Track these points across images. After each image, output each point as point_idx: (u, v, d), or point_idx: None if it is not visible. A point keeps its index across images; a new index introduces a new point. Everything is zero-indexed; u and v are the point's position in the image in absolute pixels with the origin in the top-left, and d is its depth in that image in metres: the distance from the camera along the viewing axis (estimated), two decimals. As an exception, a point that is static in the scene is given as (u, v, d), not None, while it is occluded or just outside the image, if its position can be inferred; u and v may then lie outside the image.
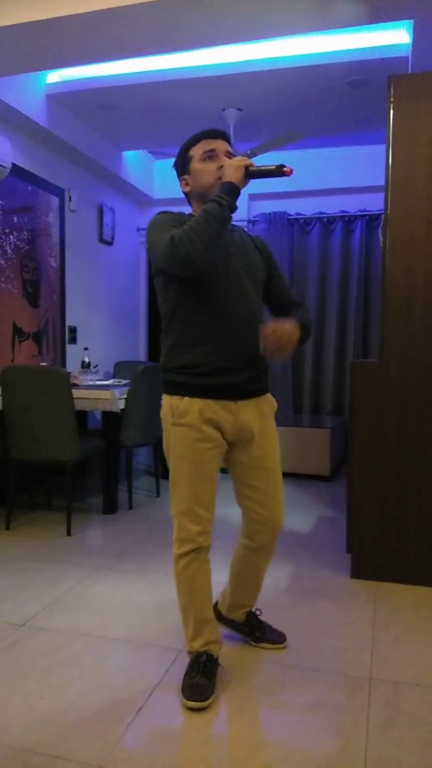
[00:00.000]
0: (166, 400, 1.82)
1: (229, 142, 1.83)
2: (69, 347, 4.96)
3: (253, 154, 4.38)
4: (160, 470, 4.56)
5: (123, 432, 3.89)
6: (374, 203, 5.38)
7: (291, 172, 1.66)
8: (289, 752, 1.60)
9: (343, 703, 1.83)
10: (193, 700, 1.77)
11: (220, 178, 1.74)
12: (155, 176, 5.96)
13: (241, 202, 5.67)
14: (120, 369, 5.35)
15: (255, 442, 1.85)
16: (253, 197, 5.69)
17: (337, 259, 5.49)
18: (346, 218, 5.44)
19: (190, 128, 4.76)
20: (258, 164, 1.71)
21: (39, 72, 3.90)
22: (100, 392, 3.72)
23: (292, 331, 1.69)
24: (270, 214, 5.58)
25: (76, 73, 4.03)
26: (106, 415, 3.86)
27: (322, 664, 2.04)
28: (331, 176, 5.43)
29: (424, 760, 1.56)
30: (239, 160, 1.68)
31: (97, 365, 5.05)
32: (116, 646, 2.15)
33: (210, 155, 1.78)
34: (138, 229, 6.14)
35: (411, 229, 2.63)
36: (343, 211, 5.45)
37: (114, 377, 5.25)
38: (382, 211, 3.79)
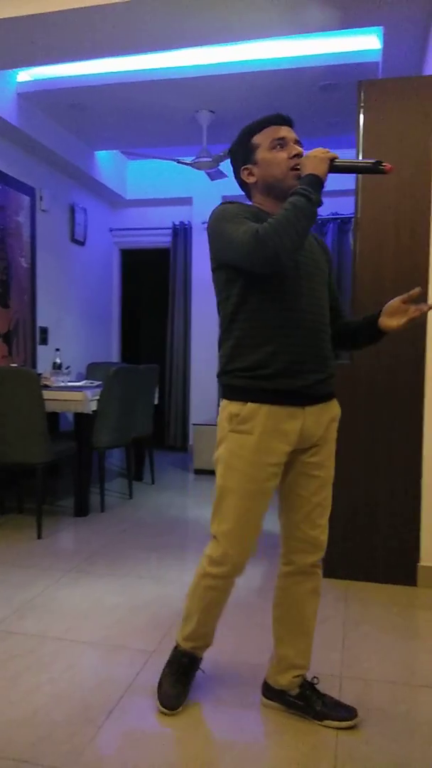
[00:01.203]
0: (226, 407, 1.63)
1: (294, 128, 1.67)
2: (40, 348, 4.90)
3: (226, 156, 4.40)
4: (134, 471, 4.54)
5: (95, 434, 3.86)
6: (346, 207, 5.44)
7: (391, 169, 1.53)
8: (259, 752, 1.60)
9: (314, 701, 1.84)
10: (164, 706, 1.76)
11: (293, 169, 1.60)
12: (128, 176, 5.94)
13: (215, 203, 5.68)
14: (92, 370, 5.31)
15: (315, 448, 1.67)
16: (227, 199, 5.70)
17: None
18: (319, 221, 5.49)
19: (163, 129, 4.76)
20: (348, 158, 1.59)
21: (9, 70, 3.86)
22: (72, 393, 3.69)
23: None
24: (243, 216, 5.59)
25: (47, 72, 4.00)
26: (78, 416, 3.83)
27: (293, 663, 2.05)
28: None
29: (393, 756, 1.59)
30: (323, 151, 1.53)
31: (69, 366, 5.01)
32: (87, 650, 2.13)
33: (280, 143, 1.61)
34: (111, 230, 6.11)
35: (380, 233, 2.67)
36: (335, 214, 5.50)
37: (86, 379, 5.21)
38: (353, 215, 3.83)
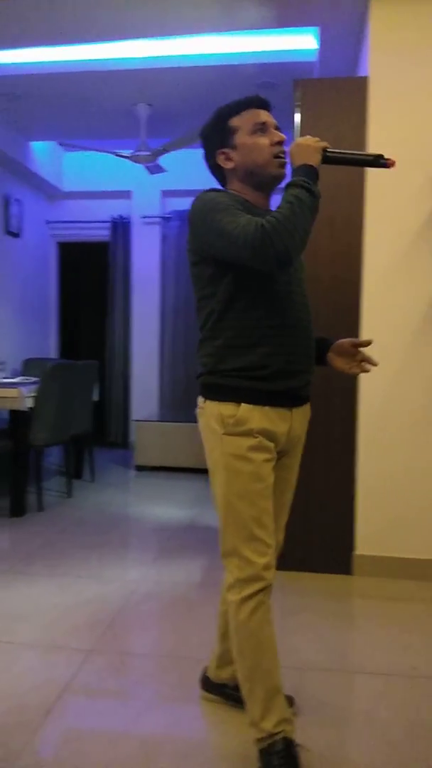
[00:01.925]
0: (213, 408, 1.53)
1: (271, 113, 1.57)
2: (-26, 344, 4.74)
3: (165, 151, 4.37)
4: (73, 469, 4.47)
5: (32, 431, 3.77)
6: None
7: (393, 164, 1.44)
8: (197, 745, 1.61)
9: (252, 691, 1.86)
10: None
11: (276, 156, 1.52)
12: (65, 168, 5.81)
13: (154, 197, 5.64)
14: (29, 366, 5.18)
15: (291, 450, 1.63)
16: (166, 193, 5.67)
17: (249, 257, 5.59)
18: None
19: (101, 122, 4.68)
20: (339, 149, 1.49)
21: None
22: (6, 390, 3.59)
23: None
24: (184, 211, 5.58)
25: (-22, 57, 3.86)
26: (14, 414, 3.73)
27: (232, 655, 2.07)
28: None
29: (327, 741, 1.63)
30: (314, 140, 1.46)
31: (3, 362, 4.87)
32: (23, 651, 2.08)
33: (261, 128, 1.52)
34: (48, 222, 5.96)
35: (315, 235, 2.70)
36: (254, 211, 5.55)
37: (22, 375, 5.07)
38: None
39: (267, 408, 1.50)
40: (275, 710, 1.46)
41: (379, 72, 2.65)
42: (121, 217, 5.87)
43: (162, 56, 3.73)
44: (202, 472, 4.82)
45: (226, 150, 1.57)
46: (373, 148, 2.62)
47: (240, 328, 1.50)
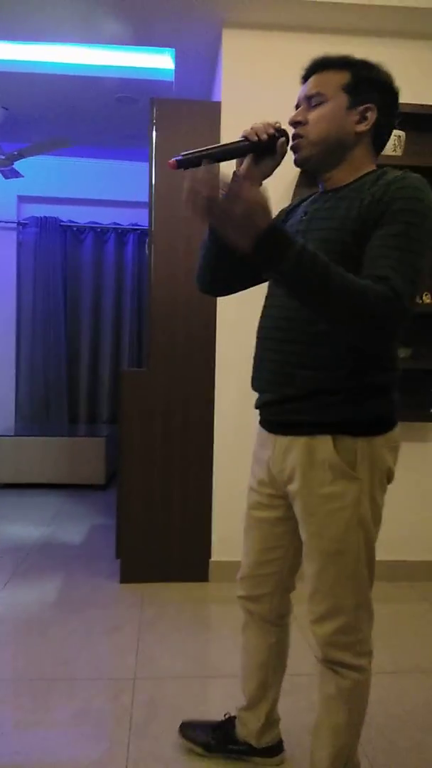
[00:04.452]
0: None
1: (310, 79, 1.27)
2: None
3: (20, 156, 4.24)
4: None
5: None
6: (145, 218, 5.56)
7: (173, 166, 1.18)
8: (51, 765, 1.56)
9: (107, 707, 1.85)
10: None
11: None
12: None
13: (9, 202, 5.44)
14: None
15: (293, 500, 1.30)
16: (22, 199, 5.48)
17: (111, 269, 5.55)
18: (119, 230, 5.54)
19: None
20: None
21: None
22: None
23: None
24: (41, 218, 5.43)
25: None
26: None
27: (87, 672, 2.04)
28: (104, 188, 5.47)
29: (183, 749, 1.65)
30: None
31: None
32: None
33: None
34: None
35: (172, 245, 2.78)
36: (115, 223, 5.53)
37: None
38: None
39: (259, 425, 1.39)
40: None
41: (230, 97, 2.78)
42: (-26, 221, 5.57)
43: (19, 60, 3.62)
44: (60, 487, 4.69)
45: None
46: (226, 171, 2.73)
47: None
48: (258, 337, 1.35)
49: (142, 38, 3.02)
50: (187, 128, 2.76)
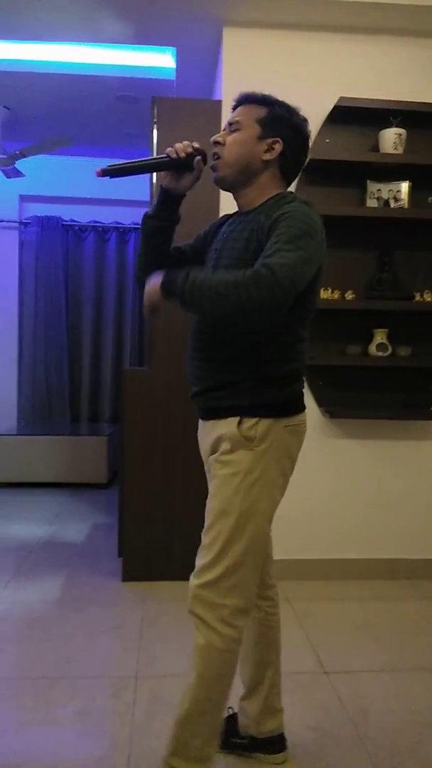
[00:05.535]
0: None
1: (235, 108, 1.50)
2: None
3: (22, 155, 4.25)
4: None
5: None
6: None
7: (100, 173, 1.38)
8: (53, 764, 1.57)
9: (109, 705, 1.85)
10: None
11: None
12: None
13: (11, 202, 5.45)
14: None
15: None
16: (24, 198, 5.49)
17: (113, 267, 5.55)
18: (121, 229, 5.54)
19: None
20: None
21: None
22: None
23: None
24: (43, 218, 5.44)
25: None
26: None
27: (89, 670, 2.05)
28: (106, 187, 5.45)
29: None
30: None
31: None
32: None
33: None
34: None
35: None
36: (117, 223, 5.54)
37: None
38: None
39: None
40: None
41: (231, 96, 2.75)
42: (-25, 220, 5.58)
43: (21, 60, 3.62)
44: (62, 486, 4.70)
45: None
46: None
47: None
48: (189, 339, 1.53)
49: (143, 37, 3.02)
50: (188, 127, 2.76)
